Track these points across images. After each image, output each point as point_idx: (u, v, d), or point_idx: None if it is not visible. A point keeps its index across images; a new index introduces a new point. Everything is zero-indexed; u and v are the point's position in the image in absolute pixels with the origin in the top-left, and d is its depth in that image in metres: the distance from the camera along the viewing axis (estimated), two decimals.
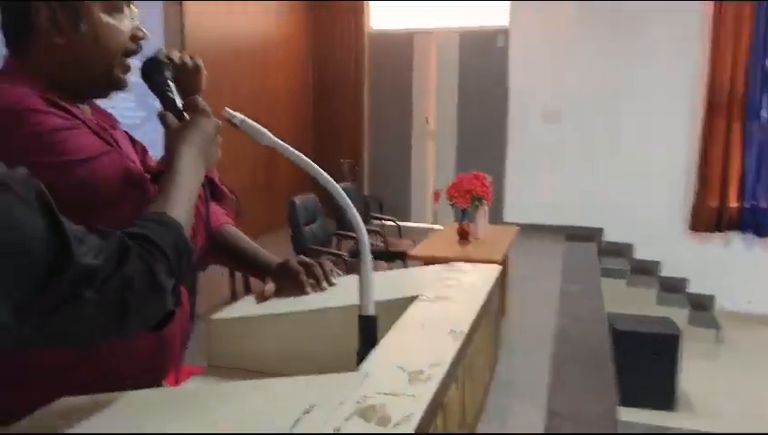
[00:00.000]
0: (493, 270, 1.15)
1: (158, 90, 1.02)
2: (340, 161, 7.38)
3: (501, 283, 4.18)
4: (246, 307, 1.13)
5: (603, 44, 6.87)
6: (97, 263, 0.66)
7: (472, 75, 7.55)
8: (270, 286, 1.17)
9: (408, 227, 6.93)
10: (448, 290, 1.02)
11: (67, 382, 0.87)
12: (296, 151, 0.89)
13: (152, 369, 1.04)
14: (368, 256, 0.85)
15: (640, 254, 6.62)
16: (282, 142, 0.89)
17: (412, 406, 0.61)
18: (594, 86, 7.02)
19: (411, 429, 0.57)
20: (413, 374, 0.69)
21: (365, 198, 6.70)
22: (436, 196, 4.43)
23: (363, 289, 0.85)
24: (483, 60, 7.50)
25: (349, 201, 0.86)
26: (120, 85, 1.06)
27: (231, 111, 0.93)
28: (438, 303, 0.96)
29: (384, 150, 7.92)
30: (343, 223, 4.60)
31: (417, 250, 4.16)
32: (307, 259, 1.20)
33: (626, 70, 6.81)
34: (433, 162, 7.86)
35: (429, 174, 7.82)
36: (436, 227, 6.90)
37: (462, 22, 7.51)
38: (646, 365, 4.04)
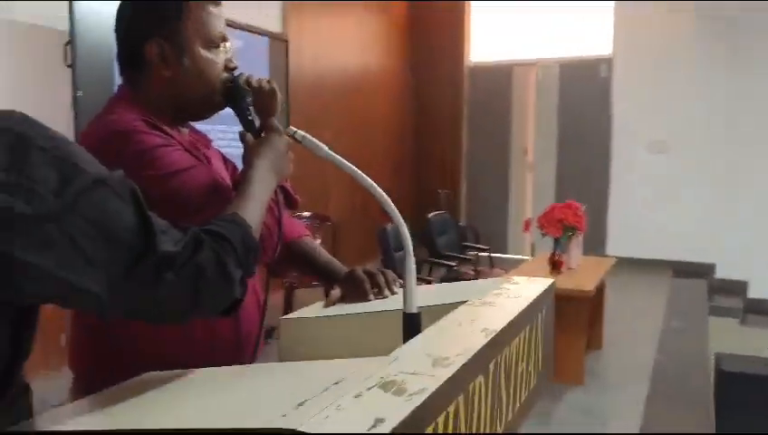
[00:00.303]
0: (544, 283, 1.20)
1: (240, 112, 1.17)
2: (437, 191, 7.49)
3: (598, 316, 4.06)
4: (314, 310, 1.24)
5: (712, 70, 6.61)
6: (176, 250, 0.78)
7: (572, 105, 7.47)
8: (335, 292, 1.27)
9: (501, 257, 6.90)
10: (496, 297, 1.08)
11: (146, 370, 0.99)
12: (349, 164, 0.99)
13: (229, 362, 1.17)
14: (411, 258, 0.94)
15: (755, 292, 6.20)
16: (336, 155, 1.00)
17: (429, 382, 0.69)
18: (704, 114, 6.74)
19: (422, 398, 0.65)
20: (438, 360, 0.76)
21: (460, 227, 6.75)
22: (527, 225, 4.41)
23: (407, 289, 0.94)
24: (584, 90, 7.41)
25: (392, 204, 0.95)
26: (219, 107, 1.23)
27: (293, 128, 1.06)
28: (482, 307, 1.02)
29: (482, 181, 7.96)
30: (435, 250, 4.68)
31: None
32: (372, 269, 1.30)
33: (737, 95, 6.50)
34: (531, 193, 7.80)
35: (527, 205, 7.76)
36: (525, 257, 6.82)
37: (562, 52, 7.48)
38: (757, 409, 3.78)
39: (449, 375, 0.72)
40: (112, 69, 1.23)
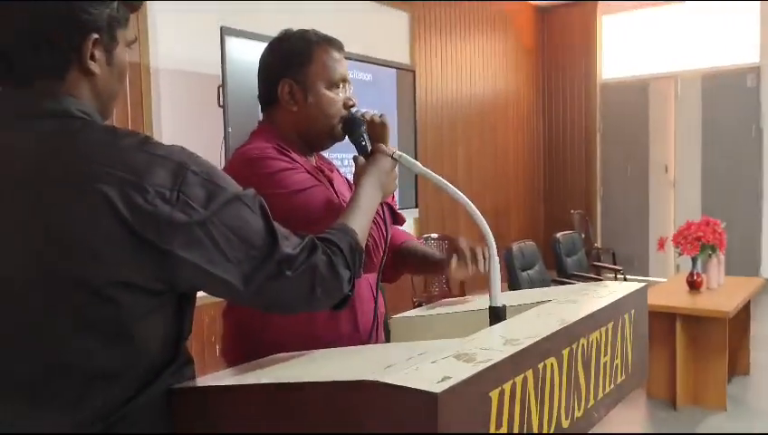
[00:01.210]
0: (635, 286, 1.26)
1: (355, 140, 1.36)
2: (570, 211, 7.37)
3: (743, 339, 3.83)
4: (419, 311, 1.40)
5: None
6: (294, 253, 0.97)
7: (717, 119, 7.07)
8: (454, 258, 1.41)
9: (637, 279, 6.61)
10: (581, 297, 1.18)
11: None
12: (442, 179, 1.15)
13: None
14: (495, 260, 1.07)
15: None
16: (429, 171, 1.16)
17: (496, 356, 0.82)
18: None
19: (487, 365, 0.78)
20: (510, 341, 0.89)
21: (592, 247, 6.60)
22: (661, 243, 4.26)
23: (492, 284, 1.07)
24: (730, 101, 6.99)
25: (482, 218, 1.09)
26: (338, 139, 1.44)
27: (394, 149, 1.24)
28: (565, 304, 1.12)
29: (619, 201, 7.70)
30: (562, 270, 4.65)
31: None
32: (473, 244, 1.43)
33: None
34: (674, 213, 7.42)
35: (669, 225, 7.38)
36: (660, 279, 6.50)
37: (704, 62, 7.11)
38: None
39: (515, 351, 0.84)
40: (257, 108, 1.48)
